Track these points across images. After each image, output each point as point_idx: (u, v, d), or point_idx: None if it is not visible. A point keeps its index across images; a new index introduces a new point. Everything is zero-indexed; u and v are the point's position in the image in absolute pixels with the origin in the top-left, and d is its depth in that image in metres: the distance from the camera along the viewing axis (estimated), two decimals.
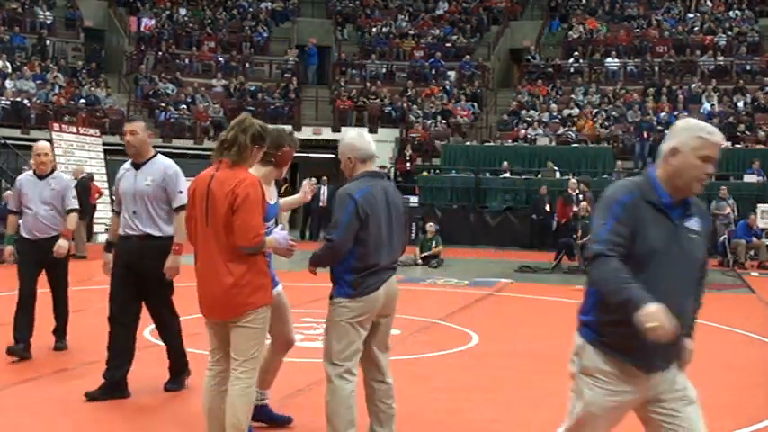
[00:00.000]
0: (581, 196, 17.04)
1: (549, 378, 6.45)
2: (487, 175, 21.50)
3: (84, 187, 14.90)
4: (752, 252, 16.92)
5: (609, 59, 27.26)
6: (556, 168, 21.29)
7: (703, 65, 26.28)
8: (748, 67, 26.00)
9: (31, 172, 6.94)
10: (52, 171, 6.77)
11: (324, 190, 21.88)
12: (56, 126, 19.44)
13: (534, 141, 23.12)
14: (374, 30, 30.39)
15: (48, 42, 27.07)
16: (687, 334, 3.16)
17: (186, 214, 4.24)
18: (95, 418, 5.03)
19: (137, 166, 5.49)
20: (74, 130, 19.80)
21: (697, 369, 7.25)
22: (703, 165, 3.06)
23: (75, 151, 18.86)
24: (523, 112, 25.14)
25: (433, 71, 28.29)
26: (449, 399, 5.75)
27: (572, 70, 27.47)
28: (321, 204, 21.47)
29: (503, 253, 18.58)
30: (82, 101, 24.05)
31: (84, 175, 15.88)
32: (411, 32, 30.14)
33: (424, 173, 22.44)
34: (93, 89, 24.77)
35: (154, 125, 25.29)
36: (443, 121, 25.35)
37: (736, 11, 28.52)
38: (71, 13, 28.94)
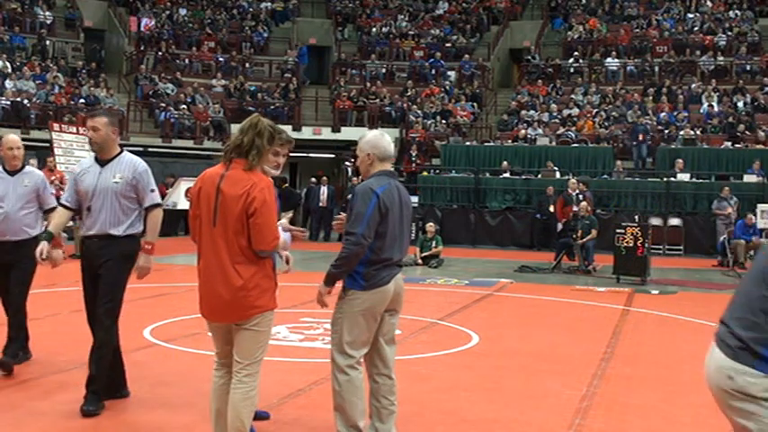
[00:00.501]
0: (581, 196, 17.03)
1: (549, 378, 6.46)
2: (487, 175, 21.49)
3: None
4: (751, 252, 16.90)
5: (609, 59, 27.26)
6: (556, 168, 21.29)
7: (703, 65, 26.29)
8: (748, 67, 26.00)
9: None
10: (23, 167, 6.14)
11: (323, 190, 21.89)
12: (56, 126, 19.40)
13: (534, 141, 23.11)
14: (374, 30, 30.40)
15: (48, 42, 27.06)
16: None
17: (190, 213, 4.18)
18: (96, 418, 5.02)
19: (102, 163, 5.19)
20: (74, 130, 19.76)
21: (697, 369, 7.26)
22: None
23: (75, 151, 18.80)
24: (523, 112, 25.14)
25: (433, 71, 28.30)
26: (449, 399, 5.75)
27: (572, 70, 27.47)
28: (321, 204, 21.49)
29: (503, 253, 18.58)
30: (82, 101, 24.03)
31: None
32: (411, 32, 30.15)
33: (424, 173, 22.43)
34: (93, 89, 24.76)
35: (154, 125, 25.33)
36: (443, 121, 25.35)
37: (736, 11, 28.53)
38: (71, 13, 28.94)
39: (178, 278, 12.71)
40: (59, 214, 5.42)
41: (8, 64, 24.18)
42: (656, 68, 26.68)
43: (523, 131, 23.72)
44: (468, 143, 23.91)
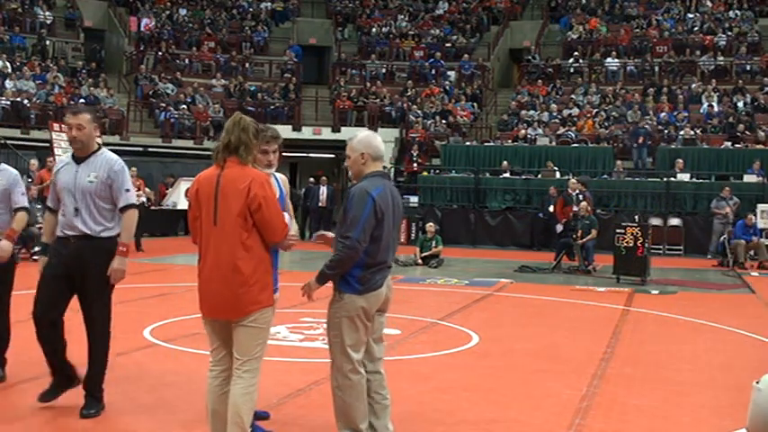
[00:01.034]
0: (581, 196, 17.04)
1: (549, 378, 6.46)
2: (487, 175, 21.49)
3: None
4: (751, 252, 16.92)
5: (609, 59, 27.26)
6: (556, 168, 21.29)
7: (703, 65, 26.29)
8: (748, 67, 26.00)
9: None
10: None
11: (323, 190, 21.88)
12: (56, 126, 19.41)
13: (534, 141, 23.11)
14: (374, 30, 30.40)
15: (48, 42, 27.06)
16: None
17: (189, 215, 4.20)
18: (96, 418, 5.02)
19: (78, 160, 5.02)
20: None
21: (697, 369, 7.28)
22: None
23: None
24: (523, 112, 25.14)
25: (433, 71, 28.30)
26: (449, 399, 5.75)
27: (572, 70, 27.47)
28: (320, 204, 21.48)
29: (503, 253, 18.58)
30: (82, 101, 24.02)
31: None
32: (411, 32, 30.15)
33: (424, 173, 22.43)
34: (93, 89, 24.76)
35: (154, 125, 25.33)
36: (443, 121, 25.35)
37: (736, 11, 28.53)
38: (71, 13, 28.93)
39: (178, 278, 12.70)
40: (47, 220, 5.19)
41: (8, 64, 24.18)
42: (656, 68, 26.69)
43: (523, 131, 23.73)
44: (468, 143, 23.92)
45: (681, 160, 20.38)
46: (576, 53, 27.85)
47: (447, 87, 27.40)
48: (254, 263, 4.00)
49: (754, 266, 16.38)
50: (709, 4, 29.11)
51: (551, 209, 18.58)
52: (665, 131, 22.86)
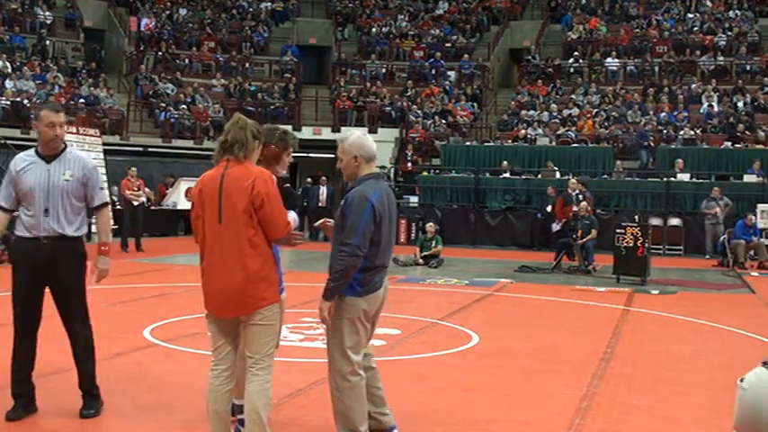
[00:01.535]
0: (581, 196, 17.04)
1: (549, 378, 6.45)
2: (487, 175, 21.49)
3: None
4: (751, 252, 16.92)
5: (609, 59, 27.27)
6: (556, 168, 21.29)
7: (703, 65, 26.29)
8: (748, 67, 26.00)
9: None
10: None
11: (323, 190, 21.88)
12: None
13: (534, 141, 23.12)
14: (374, 30, 30.40)
15: (48, 42, 27.05)
16: None
17: (192, 215, 4.21)
18: (96, 418, 5.02)
19: (46, 159, 4.84)
20: (74, 130, 19.77)
21: (697, 369, 7.27)
22: None
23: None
24: (523, 112, 25.15)
25: (433, 71, 28.30)
26: (449, 399, 5.75)
27: (572, 70, 27.48)
28: (320, 204, 21.47)
29: (503, 253, 18.58)
30: (82, 101, 24.03)
31: None
32: (411, 32, 30.15)
33: (424, 173, 22.43)
34: (93, 89, 24.76)
35: (154, 125, 25.33)
36: (443, 121, 25.35)
37: (736, 11, 28.53)
38: (71, 13, 28.93)
39: (178, 278, 12.71)
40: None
41: (8, 64, 24.17)
42: (656, 68, 26.69)
43: (523, 131, 23.73)
44: (468, 143, 23.93)
45: (681, 160, 20.38)
46: (576, 53, 27.86)
47: (447, 87, 27.40)
48: (260, 260, 4.03)
49: (754, 266, 16.38)
50: (709, 4, 29.11)
51: (549, 209, 18.59)
52: (665, 131, 22.86)
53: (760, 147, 21.29)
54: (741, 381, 2.46)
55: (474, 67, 28.34)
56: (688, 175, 20.22)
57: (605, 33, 28.79)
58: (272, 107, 26.40)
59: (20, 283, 4.86)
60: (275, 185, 4.15)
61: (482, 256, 17.85)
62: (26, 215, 4.82)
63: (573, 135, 23.35)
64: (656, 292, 12.19)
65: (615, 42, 27.91)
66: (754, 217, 17.14)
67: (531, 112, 25.09)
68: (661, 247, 18.54)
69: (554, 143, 22.96)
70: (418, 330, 8.38)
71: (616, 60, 27.18)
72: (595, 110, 24.70)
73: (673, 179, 19.98)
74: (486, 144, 23.76)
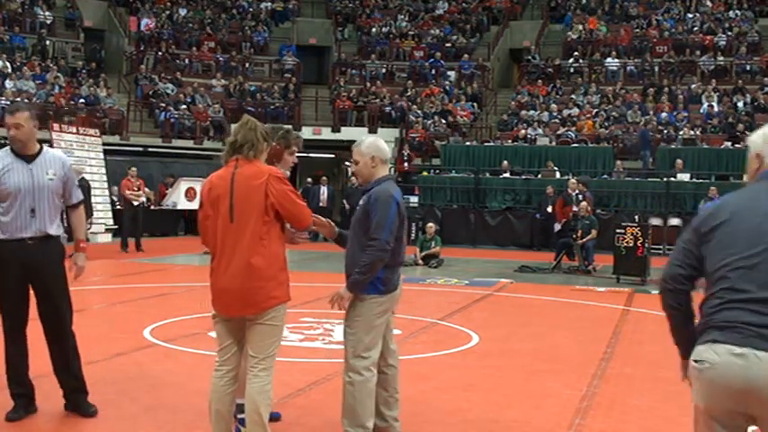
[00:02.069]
0: (581, 196, 17.04)
1: (549, 378, 6.46)
2: (487, 175, 21.49)
3: (85, 188, 14.89)
4: None
5: (609, 59, 27.27)
6: (556, 168, 21.30)
7: (703, 65, 26.29)
8: (748, 67, 26.00)
9: None
10: None
11: (323, 190, 21.88)
12: (56, 126, 19.44)
13: (534, 141, 23.12)
14: (374, 30, 30.40)
15: (48, 42, 27.05)
16: None
17: (200, 215, 4.21)
18: (96, 418, 5.02)
19: (26, 159, 4.83)
20: (74, 130, 19.79)
21: None
22: None
23: (74, 151, 18.83)
24: (523, 112, 25.15)
25: (433, 71, 28.30)
26: (449, 399, 5.75)
27: (572, 70, 27.48)
28: (321, 204, 21.46)
29: (503, 253, 18.58)
30: (82, 101, 24.04)
31: (84, 175, 15.88)
32: (411, 32, 30.15)
33: (424, 173, 22.43)
34: (93, 89, 24.76)
35: (154, 125, 25.33)
36: (443, 121, 25.35)
37: (736, 11, 28.53)
38: (71, 13, 28.93)
39: (178, 278, 12.72)
40: None
41: (8, 64, 24.17)
42: (656, 68, 26.69)
43: (523, 131, 23.74)
44: (468, 143, 23.93)
45: (681, 160, 20.38)
46: (576, 53, 27.86)
47: (447, 87, 27.40)
48: (271, 259, 4.04)
49: None
50: (709, 4, 29.11)
51: (549, 209, 18.59)
52: (665, 131, 22.86)
53: None
54: (697, 362, 2.70)
55: (474, 67, 28.34)
56: (688, 175, 20.22)
57: (605, 33, 28.79)
58: (272, 107, 26.40)
59: (6, 285, 4.82)
60: (285, 178, 4.18)
61: (482, 256, 17.85)
62: (5, 217, 4.76)
63: (573, 135, 23.35)
64: (656, 292, 12.12)
65: (615, 42, 27.92)
66: None
67: (531, 112, 25.09)
68: (661, 247, 18.53)
69: (554, 143, 22.96)
70: (418, 330, 8.38)
71: (616, 60, 27.18)
72: (595, 110, 24.70)
73: (673, 179, 19.98)
74: (486, 144, 23.76)
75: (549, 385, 6.21)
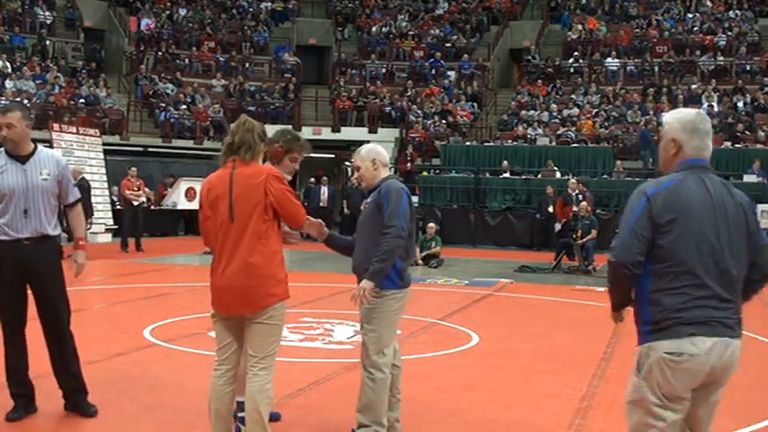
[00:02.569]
0: (581, 196, 17.04)
1: (549, 378, 6.46)
2: (487, 175, 21.49)
3: (85, 188, 14.89)
4: None
5: (609, 59, 27.26)
6: (556, 168, 21.30)
7: (703, 65, 26.29)
8: (748, 67, 26.00)
9: None
10: None
11: (324, 190, 21.86)
12: (56, 126, 19.45)
13: (534, 141, 23.12)
14: (374, 30, 30.40)
15: (48, 42, 27.05)
16: None
17: (200, 217, 4.22)
18: (95, 418, 5.02)
19: (20, 160, 4.83)
20: (74, 130, 19.80)
21: None
22: None
23: (74, 151, 18.85)
24: (523, 112, 25.15)
25: (433, 71, 28.30)
26: (449, 399, 5.75)
27: (572, 70, 27.47)
28: (321, 204, 21.46)
29: (503, 253, 18.58)
30: (82, 101, 24.04)
31: (84, 175, 15.89)
32: (411, 32, 30.15)
33: (424, 173, 22.44)
34: (93, 89, 24.76)
35: (154, 125, 25.33)
36: (443, 121, 25.35)
37: (736, 11, 28.54)
38: (71, 13, 28.93)
39: (178, 278, 12.72)
40: None
41: (8, 64, 24.17)
42: (656, 68, 26.69)
43: (523, 131, 23.73)
44: (468, 143, 23.92)
45: None
46: (576, 53, 27.85)
47: (447, 87, 27.39)
48: (269, 257, 4.06)
49: None
50: (709, 4, 29.11)
51: (550, 209, 18.58)
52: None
53: (760, 147, 21.29)
54: (675, 354, 2.96)
55: (474, 67, 28.34)
56: None
57: (605, 33, 28.79)
58: (272, 107, 26.40)
59: (4, 285, 4.82)
60: (283, 177, 4.20)
61: (482, 256, 17.86)
62: (9, 217, 4.77)
63: (573, 135, 23.35)
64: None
65: (615, 42, 27.91)
66: None
67: (531, 112, 25.08)
68: None
69: (554, 143, 22.95)
70: (418, 330, 8.38)
71: (616, 60, 27.18)
72: (595, 110, 24.70)
73: None
74: (486, 144, 23.76)
75: (549, 385, 6.21)
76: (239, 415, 4.49)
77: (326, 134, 25.82)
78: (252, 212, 4.02)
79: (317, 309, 9.11)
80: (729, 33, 27.25)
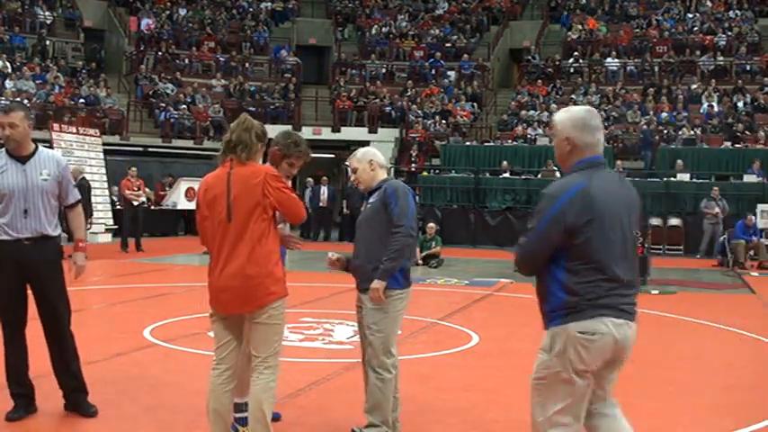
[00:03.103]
0: None
1: None
2: (487, 175, 21.49)
3: (85, 188, 14.89)
4: (751, 252, 16.91)
5: (609, 59, 27.26)
6: (556, 168, 21.28)
7: (703, 65, 26.29)
8: (748, 67, 26.00)
9: None
10: None
11: (323, 190, 21.85)
12: (56, 126, 19.44)
13: (534, 141, 23.12)
14: (374, 30, 30.40)
15: (48, 42, 27.04)
16: None
17: (198, 217, 4.23)
18: (95, 418, 5.02)
19: (21, 160, 4.83)
20: (74, 130, 19.79)
21: (697, 369, 7.28)
22: None
23: (74, 151, 18.85)
24: (523, 112, 25.14)
25: (433, 71, 28.30)
26: (449, 399, 5.75)
27: (572, 70, 27.47)
28: (321, 204, 21.45)
29: (503, 253, 18.56)
30: (82, 101, 24.04)
31: (84, 175, 15.89)
32: (411, 32, 30.15)
33: (424, 173, 22.44)
34: (93, 89, 24.76)
35: (154, 125, 25.33)
36: (443, 121, 25.35)
37: (736, 11, 28.54)
38: (71, 13, 28.93)
39: (178, 278, 12.72)
40: None
41: (8, 64, 24.17)
42: (656, 68, 26.68)
43: (523, 131, 23.72)
44: (468, 143, 23.92)
45: (681, 161, 20.38)
46: (576, 53, 27.85)
47: (447, 87, 27.39)
48: (268, 256, 4.07)
49: (754, 266, 16.38)
50: (709, 4, 29.11)
51: None
52: (665, 131, 22.86)
53: (760, 147, 21.29)
54: (588, 333, 3.21)
55: (474, 67, 28.34)
56: (688, 176, 20.22)
57: (605, 33, 28.78)
58: (272, 107, 26.39)
59: (3, 285, 4.82)
60: (281, 176, 4.21)
61: (482, 256, 17.85)
62: (1, 218, 4.78)
63: None
64: (656, 292, 12.18)
65: (615, 42, 27.91)
66: (753, 217, 17.14)
67: (531, 112, 25.08)
68: (661, 247, 18.54)
69: (554, 143, 22.92)
70: (418, 330, 8.38)
71: (616, 60, 27.18)
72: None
73: (673, 179, 19.98)
74: (486, 144, 23.76)
75: None
76: (237, 415, 4.49)
77: (326, 134, 25.82)
78: (251, 213, 4.02)
79: (317, 309, 9.11)
80: (729, 33, 27.25)
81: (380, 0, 32.31)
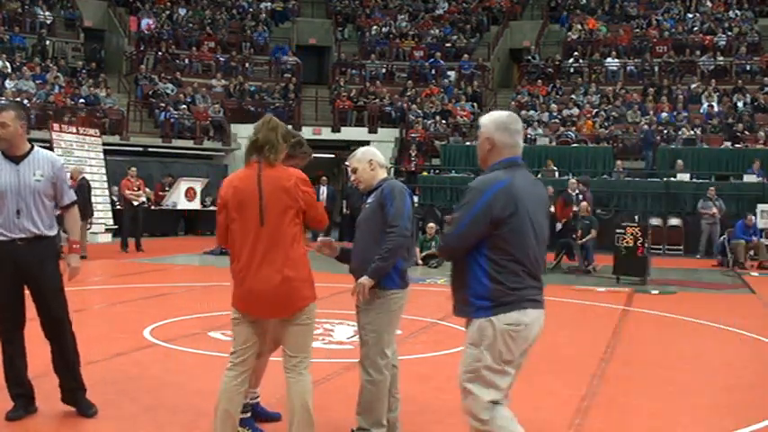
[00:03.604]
0: (581, 196, 17.03)
1: (549, 378, 6.45)
2: None
3: (85, 188, 14.89)
4: (751, 252, 16.92)
5: (609, 59, 27.26)
6: (555, 168, 21.30)
7: (703, 65, 26.29)
8: (748, 67, 25.99)
9: None
10: None
11: (323, 190, 21.85)
12: (56, 126, 19.44)
13: (534, 141, 23.11)
14: (374, 30, 30.40)
15: (48, 42, 27.04)
16: None
17: (220, 219, 4.16)
18: (95, 418, 5.02)
19: (14, 160, 4.82)
20: (74, 130, 19.79)
21: (697, 369, 7.29)
22: None
23: (74, 151, 18.85)
24: (523, 112, 25.13)
25: (433, 71, 28.30)
26: (449, 399, 5.74)
27: (572, 70, 27.47)
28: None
29: None
30: (82, 101, 24.03)
31: (84, 175, 15.89)
32: (411, 32, 30.15)
33: (424, 173, 22.43)
34: (93, 89, 24.76)
35: (154, 125, 25.33)
36: (443, 121, 25.35)
37: (736, 11, 28.53)
38: (71, 13, 28.92)
39: (178, 278, 12.73)
40: None
41: (8, 64, 24.17)
42: (656, 68, 26.68)
43: (523, 131, 23.71)
44: (468, 143, 23.91)
45: (681, 161, 20.38)
46: (575, 53, 27.85)
47: (447, 87, 27.40)
48: (302, 260, 4.09)
49: (754, 266, 16.38)
50: (709, 4, 29.11)
51: (552, 209, 18.57)
52: (665, 131, 22.86)
53: (760, 147, 21.30)
54: (514, 325, 3.43)
55: (474, 67, 28.34)
56: (688, 176, 20.22)
57: (605, 33, 28.78)
58: (272, 107, 26.38)
59: (1, 286, 4.81)
60: (308, 180, 4.23)
61: None
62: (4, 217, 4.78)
63: (573, 135, 23.35)
64: (656, 292, 12.19)
65: (615, 42, 27.91)
66: (753, 217, 17.14)
67: (531, 112, 25.08)
68: (661, 247, 18.54)
69: (554, 143, 22.95)
70: (418, 330, 8.38)
71: (616, 60, 27.18)
72: (595, 110, 24.70)
73: (672, 179, 19.98)
74: None
75: (549, 385, 6.21)
76: (241, 417, 4.48)
77: (326, 134, 25.82)
78: (283, 216, 4.01)
79: (317, 309, 9.10)
80: (729, 33, 27.24)
81: (380, 0, 32.31)
